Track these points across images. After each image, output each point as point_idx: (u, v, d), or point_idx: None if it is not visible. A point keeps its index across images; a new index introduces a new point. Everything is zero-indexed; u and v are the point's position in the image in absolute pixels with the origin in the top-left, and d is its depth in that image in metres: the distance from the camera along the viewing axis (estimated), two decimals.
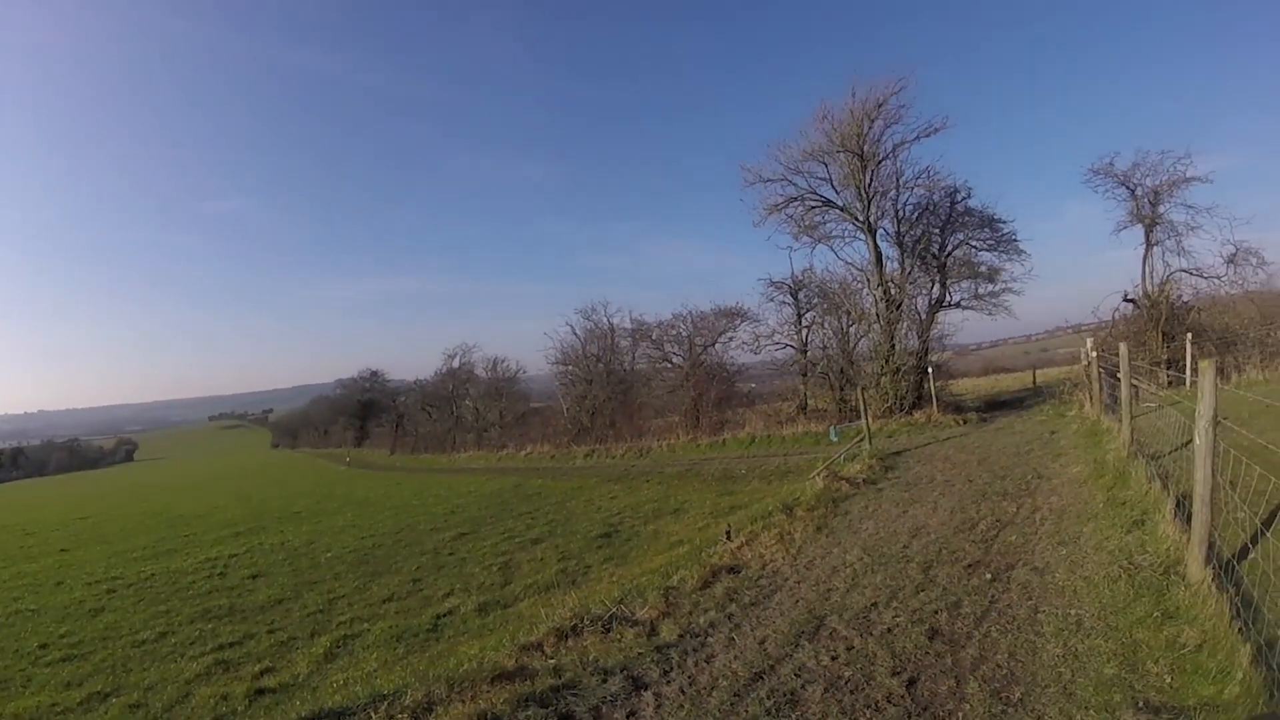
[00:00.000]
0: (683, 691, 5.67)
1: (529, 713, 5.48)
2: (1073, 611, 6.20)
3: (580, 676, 6.10)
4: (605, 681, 5.97)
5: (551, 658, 6.59)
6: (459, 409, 59.77)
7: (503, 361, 58.29)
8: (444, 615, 9.83)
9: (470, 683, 6.06)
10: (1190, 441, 10.24)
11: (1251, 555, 6.31)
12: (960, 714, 4.78)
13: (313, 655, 8.87)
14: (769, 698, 5.37)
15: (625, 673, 6.11)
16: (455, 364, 61.36)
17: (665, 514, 16.08)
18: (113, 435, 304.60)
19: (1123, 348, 12.57)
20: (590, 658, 6.50)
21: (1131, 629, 5.54)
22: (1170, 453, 9.51)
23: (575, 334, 44.96)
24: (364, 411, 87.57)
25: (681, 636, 6.88)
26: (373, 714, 5.73)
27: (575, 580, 10.94)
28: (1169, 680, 4.68)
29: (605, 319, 44.45)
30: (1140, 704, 4.43)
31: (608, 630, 7.10)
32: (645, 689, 5.79)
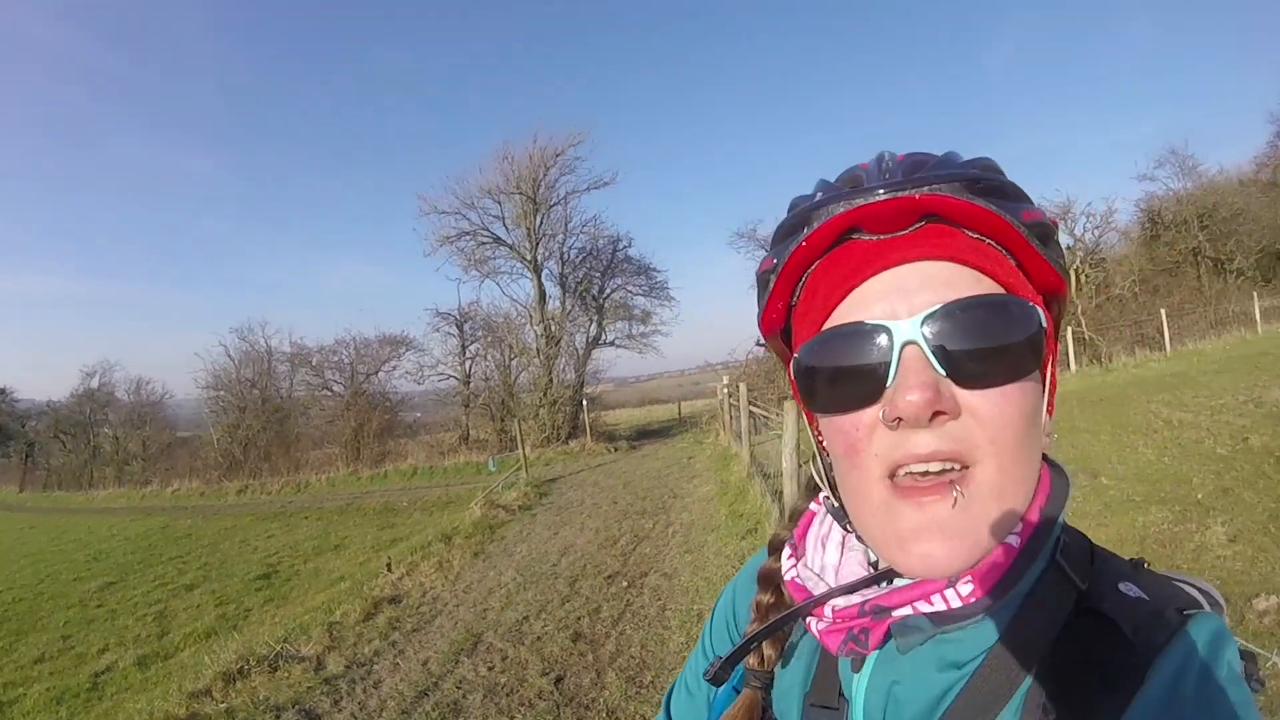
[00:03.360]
0: (354, 717, 6.15)
1: None
2: (695, 607, 7.55)
3: (253, 715, 6.33)
4: (279, 717, 6.27)
5: (222, 702, 6.70)
6: (96, 438, 51.40)
7: (148, 383, 51.12)
8: (102, 672, 9.40)
9: None
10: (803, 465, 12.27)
11: None
12: (601, 700, 5.82)
13: None
14: (434, 710, 6.04)
15: (297, 707, 6.43)
16: (94, 384, 52.44)
17: (326, 551, 16.02)
18: None
19: (742, 387, 14.80)
20: (261, 696, 6.71)
21: None
22: (779, 474, 11.10)
23: (229, 355, 41.79)
24: None
25: (349, 667, 7.28)
26: None
27: (236, 624, 10.77)
28: None
29: (263, 340, 41.92)
30: None
31: (275, 669, 7.30)
32: (319, 719, 6.23)
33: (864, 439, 0.73)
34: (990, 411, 0.70)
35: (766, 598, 0.93)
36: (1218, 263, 33.85)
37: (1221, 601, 0.86)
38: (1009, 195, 0.76)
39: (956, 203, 0.72)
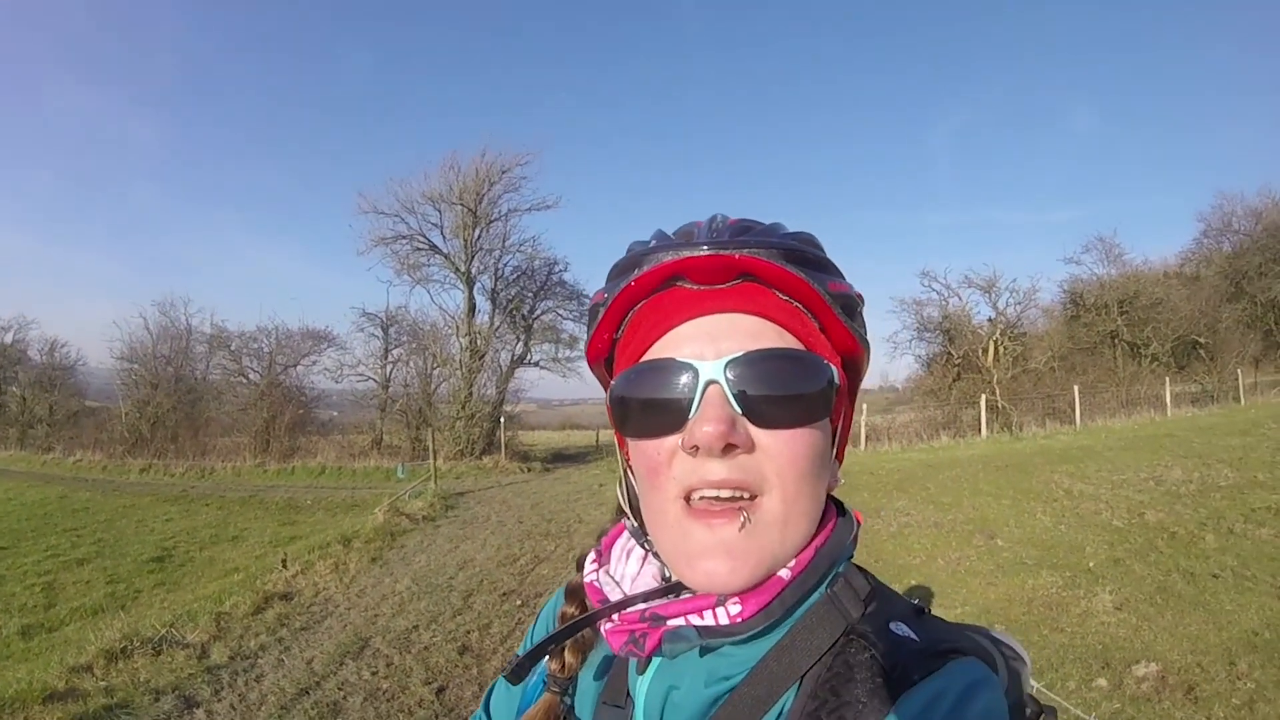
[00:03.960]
0: (233, 708, 6.24)
1: None
2: None
3: (133, 696, 6.37)
4: (158, 700, 6.32)
5: (103, 679, 6.72)
6: (3, 395, 47.80)
7: (63, 346, 48.01)
8: None
9: (21, 704, 6.14)
10: None
11: None
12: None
13: None
14: (313, 708, 6.17)
15: (177, 692, 6.49)
16: (8, 339, 48.56)
17: (224, 540, 15.84)
18: None
19: None
20: (142, 678, 6.76)
21: None
22: None
23: (148, 329, 39.89)
24: None
25: (233, 658, 7.34)
26: None
27: (125, 605, 10.67)
28: None
29: (184, 318, 40.35)
30: None
31: (159, 653, 7.32)
32: (197, 706, 6.25)
33: (665, 463, 0.82)
34: (779, 449, 0.80)
35: (571, 609, 1.03)
36: (1134, 347, 34.85)
37: (1023, 655, 1.02)
38: (820, 267, 0.87)
39: (770, 266, 0.82)
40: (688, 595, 0.85)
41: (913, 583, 8.63)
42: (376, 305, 42.08)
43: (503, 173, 29.97)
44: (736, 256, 0.82)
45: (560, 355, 33.53)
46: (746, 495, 0.79)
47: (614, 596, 0.93)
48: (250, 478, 28.33)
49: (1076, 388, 26.57)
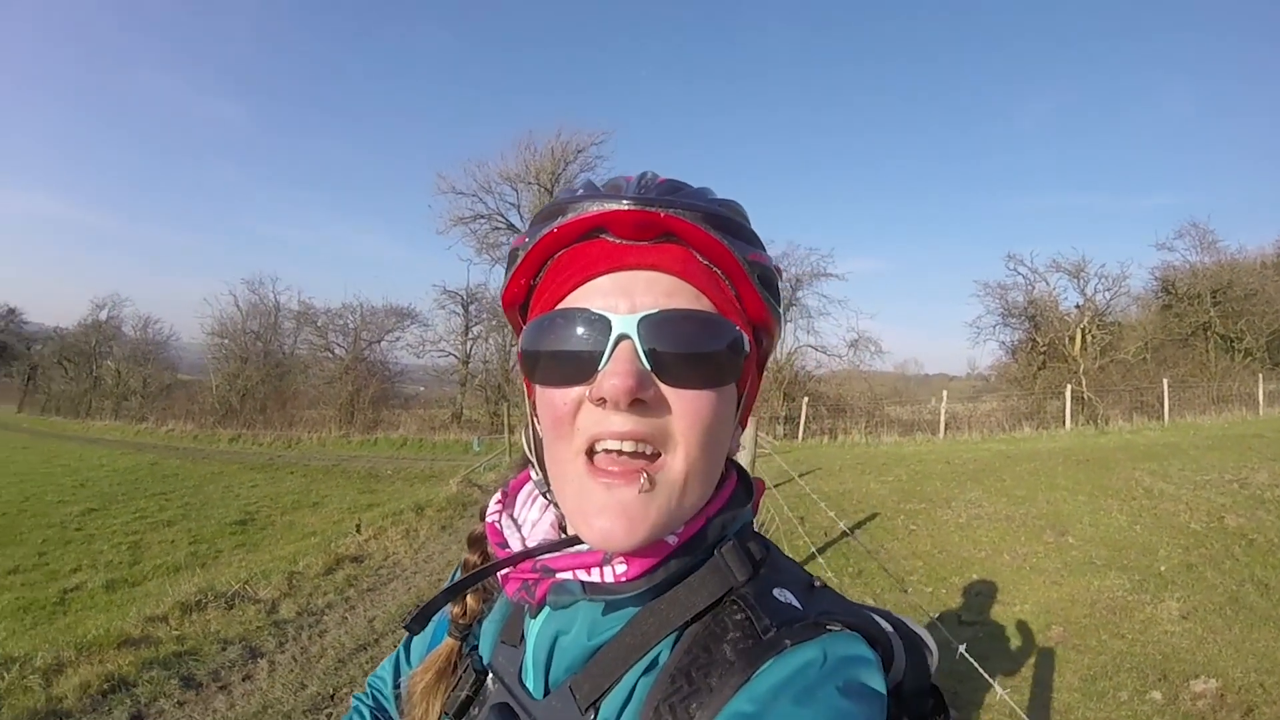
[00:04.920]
0: (294, 659, 6.46)
1: (153, 674, 6.02)
2: None
3: (201, 645, 6.62)
4: (225, 650, 6.57)
5: (176, 629, 6.99)
6: (99, 369, 50.61)
7: (155, 322, 50.68)
8: (71, 590, 9.71)
9: (98, 647, 6.38)
10: (780, 484, 12.43)
11: None
12: None
13: None
14: (369, 663, 6.33)
15: (244, 643, 6.74)
16: (103, 316, 51.45)
17: (304, 506, 16.32)
18: None
19: (749, 423, 15.30)
20: (213, 629, 7.01)
21: None
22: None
23: (238, 306, 42.00)
24: None
25: (299, 614, 7.58)
26: (4, 674, 5.91)
27: (205, 564, 11.04)
28: None
29: (272, 295, 42.22)
30: None
31: (231, 606, 7.58)
32: (261, 656, 6.48)
33: (570, 414, 0.82)
34: (685, 409, 0.80)
35: (473, 557, 1.06)
36: (1227, 340, 32.80)
37: (931, 647, 0.99)
38: (742, 236, 0.88)
39: (693, 229, 0.82)
40: (582, 549, 0.86)
41: (974, 577, 8.33)
42: (457, 283, 41.90)
43: (578, 151, 30.21)
44: (661, 215, 0.82)
45: None
46: (649, 451, 0.80)
47: (513, 540, 0.95)
48: (335, 448, 29.19)
49: (1166, 381, 25.03)
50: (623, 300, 0.81)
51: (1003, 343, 35.32)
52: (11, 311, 67.01)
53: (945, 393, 27.49)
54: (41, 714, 5.42)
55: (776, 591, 0.85)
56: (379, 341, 38.95)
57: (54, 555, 11.87)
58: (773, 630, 0.78)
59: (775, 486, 12.25)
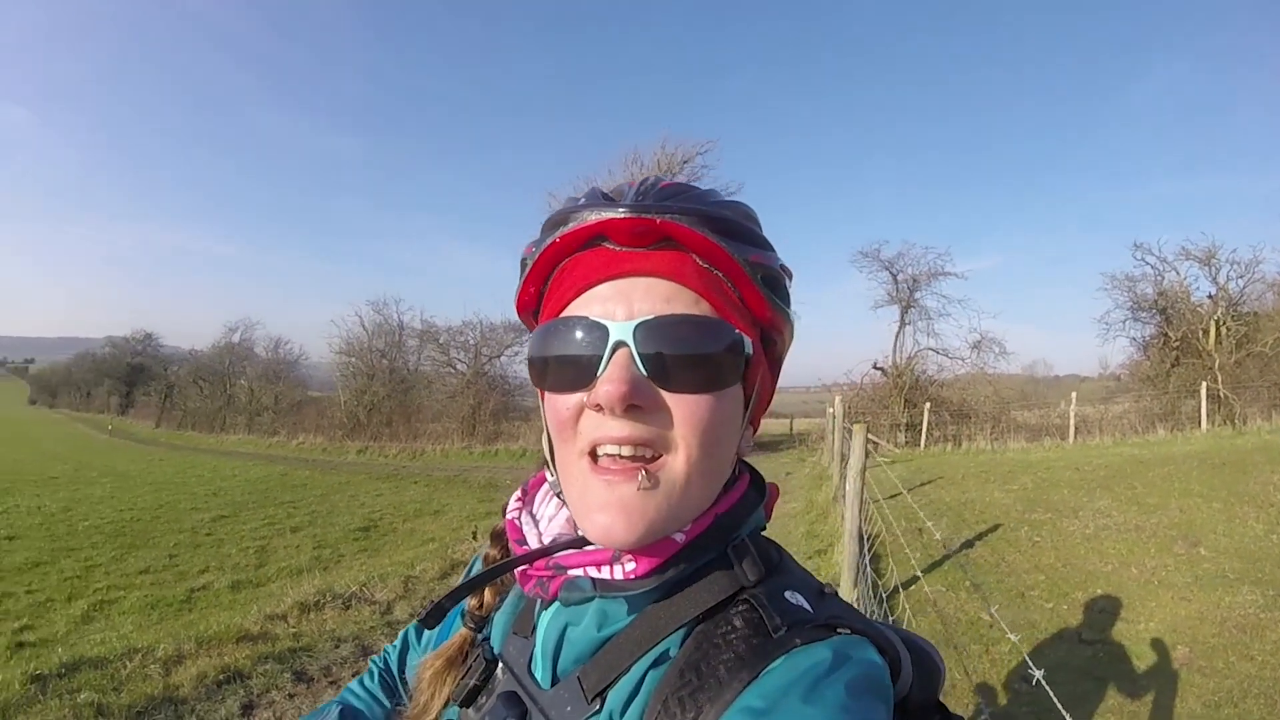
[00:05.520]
0: None
1: (267, 667, 6.28)
2: None
3: (316, 642, 6.89)
4: (338, 647, 6.83)
5: (294, 626, 7.29)
6: (232, 388, 54.02)
7: (285, 343, 53.90)
8: (198, 589, 10.02)
9: (217, 641, 6.71)
10: (897, 494, 12.05)
11: (910, 588, 7.84)
12: None
13: (70, 616, 8.93)
14: None
15: (356, 641, 7.00)
16: (235, 339, 55.16)
17: (426, 514, 16.60)
18: None
19: (838, 403, 14.84)
20: (328, 628, 7.28)
21: None
22: (878, 500, 10.79)
23: (363, 325, 43.49)
24: (132, 377, 73.59)
25: (412, 615, 7.54)
26: (127, 663, 6.21)
27: (328, 567, 11.32)
28: None
29: (396, 315, 43.41)
30: None
31: (348, 607, 7.88)
32: (373, 653, 6.61)
33: (572, 419, 0.84)
34: (683, 413, 0.81)
35: (494, 551, 1.08)
36: None
37: (939, 664, 1.02)
38: (743, 238, 0.87)
39: (690, 232, 0.83)
40: (594, 547, 0.87)
41: (1098, 592, 7.85)
42: None
43: (683, 162, 29.95)
44: (657, 220, 0.82)
45: None
46: (649, 454, 0.81)
47: (531, 537, 0.97)
48: (457, 459, 29.82)
49: None
50: (621, 307, 0.83)
51: (1133, 339, 32.94)
52: (149, 336, 75.20)
53: (1075, 395, 26.28)
54: (158, 700, 5.73)
55: (787, 594, 0.86)
56: (499, 356, 39.56)
57: (184, 557, 12.30)
58: (783, 629, 0.79)
59: (891, 498, 12.00)
